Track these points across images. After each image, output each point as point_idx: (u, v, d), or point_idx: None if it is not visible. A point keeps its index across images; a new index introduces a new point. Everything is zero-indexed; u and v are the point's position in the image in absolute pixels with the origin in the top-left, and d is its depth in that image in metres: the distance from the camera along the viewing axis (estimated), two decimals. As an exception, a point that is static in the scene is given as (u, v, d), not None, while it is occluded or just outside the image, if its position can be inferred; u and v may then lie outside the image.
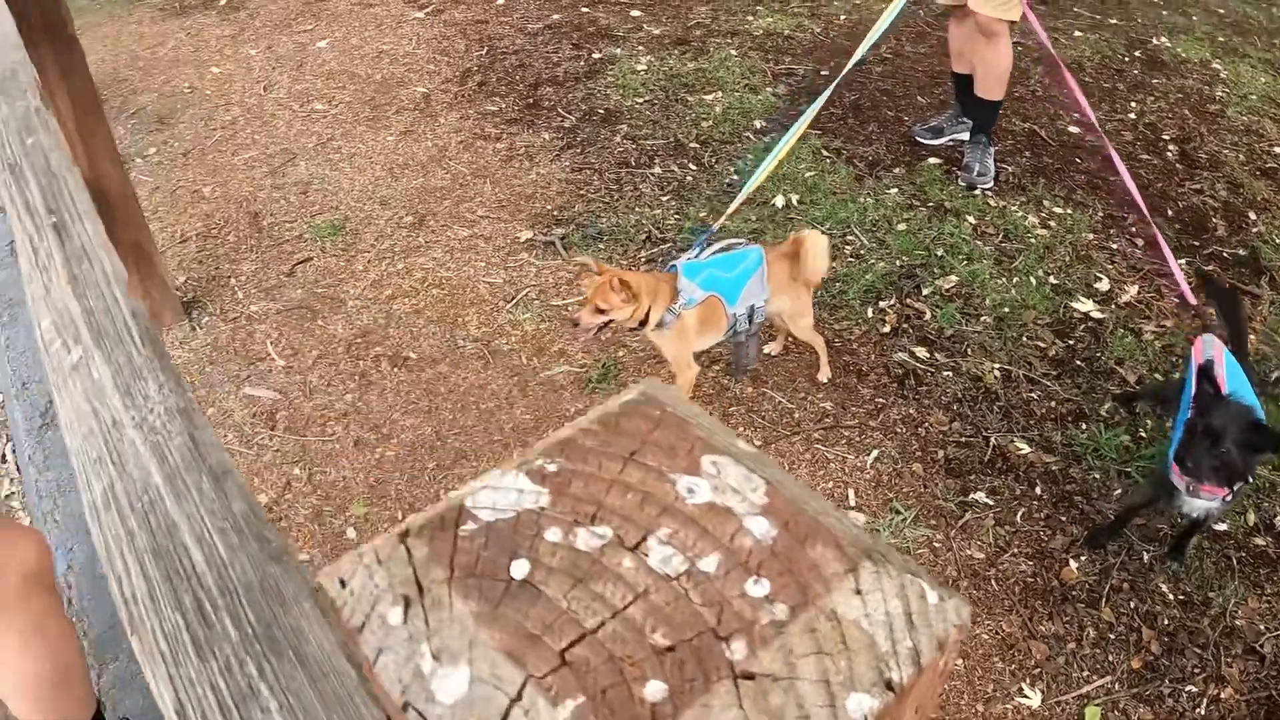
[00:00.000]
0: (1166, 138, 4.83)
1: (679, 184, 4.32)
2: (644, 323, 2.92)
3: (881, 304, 3.68)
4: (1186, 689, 2.53)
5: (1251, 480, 2.50)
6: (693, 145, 4.59)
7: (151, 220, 3.88)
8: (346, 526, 2.92)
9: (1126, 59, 5.55)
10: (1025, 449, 3.15)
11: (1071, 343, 3.56)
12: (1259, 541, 2.91)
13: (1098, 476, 3.07)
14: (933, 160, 4.50)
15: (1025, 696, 2.51)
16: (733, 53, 5.37)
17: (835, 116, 4.81)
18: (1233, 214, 4.32)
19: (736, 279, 2.93)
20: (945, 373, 3.41)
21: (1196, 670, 2.58)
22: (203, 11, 6.14)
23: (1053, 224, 4.14)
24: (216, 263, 3.96)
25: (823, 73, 5.14)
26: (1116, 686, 2.54)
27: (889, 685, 0.51)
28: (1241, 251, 4.06)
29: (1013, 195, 4.30)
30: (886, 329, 3.57)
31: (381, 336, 3.57)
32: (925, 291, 3.73)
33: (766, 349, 3.46)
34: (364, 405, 3.30)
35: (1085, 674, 2.57)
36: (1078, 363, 3.47)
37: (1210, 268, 3.95)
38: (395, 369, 3.43)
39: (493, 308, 3.69)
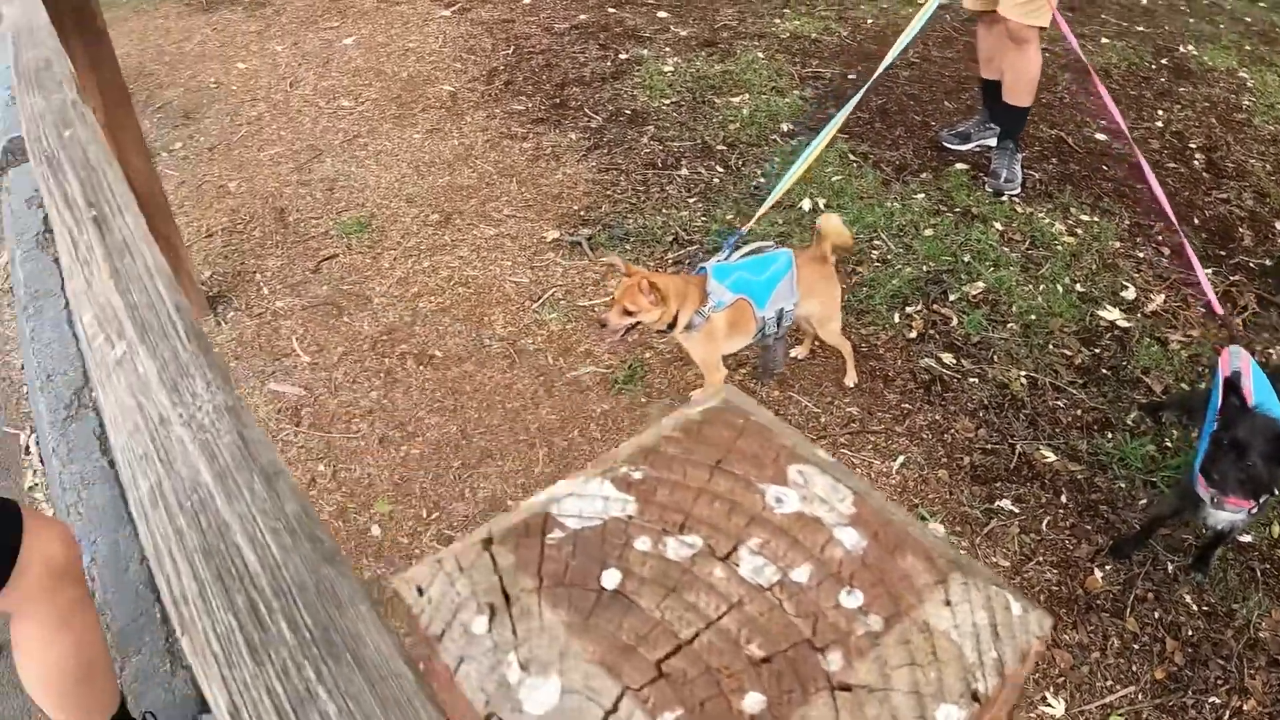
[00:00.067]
0: (1193, 146, 4.81)
1: (706, 186, 4.32)
2: (672, 325, 2.92)
3: (908, 309, 3.67)
4: (1210, 700, 2.53)
5: (1277, 493, 2.49)
6: (719, 147, 4.59)
7: (177, 215, 3.90)
8: (371, 524, 2.93)
9: (1153, 66, 5.52)
10: (1051, 457, 3.14)
11: (1098, 351, 3.54)
12: (1285, 554, 2.90)
13: (1123, 486, 3.06)
14: (960, 165, 4.48)
15: (1049, 705, 2.50)
16: (760, 55, 5.37)
17: (862, 121, 4.80)
18: (1259, 224, 4.30)
19: (766, 282, 2.92)
20: (971, 379, 3.40)
21: (1220, 682, 2.57)
22: (229, 7, 6.18)
23: (1079, 231, 4.12)
24: (242, 258, 3.98)
25: (850, 76, 5.13)
26: (1140, 697, 2.53)
27: (975, 696, 0.51)
28: (1268, 261, 4.04)
29: (1040, 202, 4.28)
30: (913, 334, 3.57)
31: (407, 334, 3.58)
32: (952, 297, 3.72)
33: (793, 353, 3.46)
34: (389, 403, 3.31)
35: (1109, 684, 2.56)
36: (1104, 371, 3.46)
37: (1236, 278, 3.93)
38: (421, 367, 3.44)
39: (519, 307, 3.70)
